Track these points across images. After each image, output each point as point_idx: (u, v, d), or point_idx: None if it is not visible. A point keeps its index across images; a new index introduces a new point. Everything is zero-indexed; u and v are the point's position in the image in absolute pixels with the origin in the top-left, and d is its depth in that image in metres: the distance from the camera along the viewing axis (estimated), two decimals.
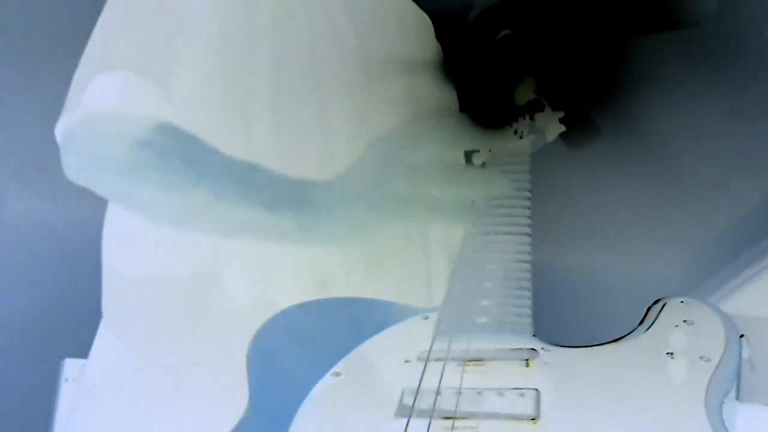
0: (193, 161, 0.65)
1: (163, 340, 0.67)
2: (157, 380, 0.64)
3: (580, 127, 0.84)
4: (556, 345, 0.50)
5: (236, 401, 0.47)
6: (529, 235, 0.66)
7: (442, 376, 0.47)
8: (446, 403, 0.45)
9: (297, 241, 0.66)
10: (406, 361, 0.50)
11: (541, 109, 0.84)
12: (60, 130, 0.69)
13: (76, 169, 0.69)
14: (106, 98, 0.67)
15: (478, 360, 0.48)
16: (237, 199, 0.65)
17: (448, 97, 0.87)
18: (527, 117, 0.84)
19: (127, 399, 0.64)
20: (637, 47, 1.09)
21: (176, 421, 0.60)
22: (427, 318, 0.56)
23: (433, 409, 0.44)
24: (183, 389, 0.62)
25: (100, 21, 0.72)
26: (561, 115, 0.83)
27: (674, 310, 0.52)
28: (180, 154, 0.65)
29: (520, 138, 0.81)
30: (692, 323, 0.50)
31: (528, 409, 0.44)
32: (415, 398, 0.45)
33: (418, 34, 0.85)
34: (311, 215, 0.65)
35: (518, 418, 0.43)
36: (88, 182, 0.69)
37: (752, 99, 1.16)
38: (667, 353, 0.47)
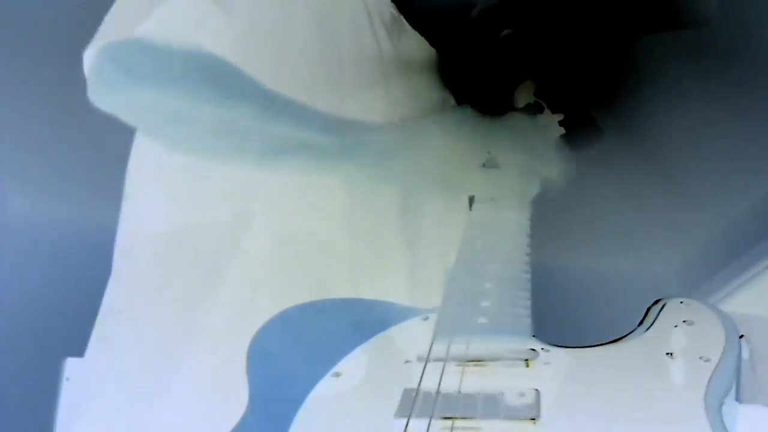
0: (246, 82, 0.66)
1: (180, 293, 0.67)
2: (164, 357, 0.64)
3: (582, 127, 0.85)
4: (556, 345, 0.50)
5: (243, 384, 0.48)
6: (529, 235, 0.67)
7: (442, 376, 0.47)
8: (446, 404, 0.45)
9: (334, 165, 0.69)
10: (406, 362, 0.51)
11: (541, 112, 0.84)
12: (93, 50, 0.68)
13: (108, 89, 0.68)
14: (154, 20, 0.67)
15: (478, 360, 0.48)
16: (286, 118, 0.67)
17: (441, 97, 0.87)
18: None
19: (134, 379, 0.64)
20: (639, 48, 1.09)
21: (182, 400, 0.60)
22: (427, 319, 0.56)
23: (433, 409, 0.44)
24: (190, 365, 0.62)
25: None
26: (560, 117, 0.83)
27: (674, 310, 0.52)
28: (232, 74, 0.66)
29: None
30: (692, 323, 0.50)
31: (528, 409, 0.43)
32: (415, 398, 0.45)
33: (406, 36, 0.86)
34: (355, 139, 0.69)
35: (518, 418, 0.43)
36: (121, 103, 0.69)
37: (753, 99, 1.16)
38: (667, 353, 0.47)
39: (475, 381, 0.47)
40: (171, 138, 0.70)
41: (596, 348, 0.50)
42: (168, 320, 0.66)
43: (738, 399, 0.46)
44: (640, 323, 0.52)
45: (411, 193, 0.76)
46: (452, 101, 0.89)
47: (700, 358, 0.46)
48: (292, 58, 0.72)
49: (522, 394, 0.45)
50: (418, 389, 0.46)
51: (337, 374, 0.51)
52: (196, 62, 0.66)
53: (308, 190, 0.71)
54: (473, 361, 0.48)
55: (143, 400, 0.62)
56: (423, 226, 0.77)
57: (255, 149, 0.68)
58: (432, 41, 0.88)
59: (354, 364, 0.52)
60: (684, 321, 0.50)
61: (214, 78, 0.66)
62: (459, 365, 0.48)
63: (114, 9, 0.72)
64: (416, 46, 0.86)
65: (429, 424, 0.43)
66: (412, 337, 0.54)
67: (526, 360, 0.48)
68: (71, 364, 1.15)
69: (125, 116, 0.69)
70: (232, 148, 0.68)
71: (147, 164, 0.77)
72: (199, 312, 0.65)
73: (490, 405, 0.44)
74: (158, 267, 0.70)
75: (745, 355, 0.48)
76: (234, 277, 0.67)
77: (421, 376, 0.47)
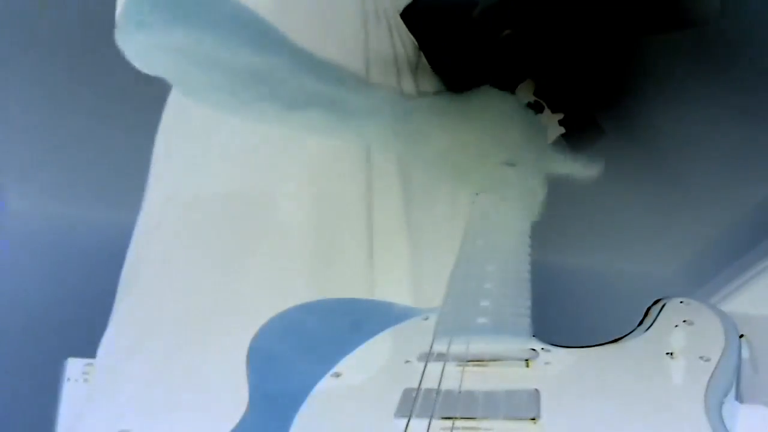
0: (281, 37, 0.68)
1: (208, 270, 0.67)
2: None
3: (583, 127, 0.85)
4: (556, 345, 0.50)
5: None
6: (530, 235, 0.67)
7: (442, 376, 0.47)
8: (446, 404, 0.45)
9: (355, 125, 0.70)
10: (406, 362, 0.51)
11: (540, 111, 0.84)
12: None
13: (140, 27, 0.68)
14: None
15: (478, 360, 0.48)
16: (317, 72, 0.69)
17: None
18: None
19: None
20: (640, 47, 1.09)
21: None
22: (427, 319, 0.56)
23: (434, 409, 0.44)
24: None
25: None
26: (560, 117, 0.83)
27: (674, 310, 0.52)
28: (269, 28, 0.68)
29: None
30: (692, 323, 0.50)
31: (528, 409, 0.43)
32: (415, 398, 0.45)
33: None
34: (380, 101, 0.71)
35: (518, 418, 0.43)
36: (151, 43, 0.69)
37: (755, 100, 1.16)
38: (667, 353, 0.47)
39: (475, 381, 0.47)
40: (197, 83, 0.70)
41: (596, 348, 0.50)
42: (198, 293, 0.66)
43: (738, 399, 0.46)
44: (640, 323, 0.52)
45: (419, 182, 0.77)
46: None
47: (700, 357, 0.46)
48: (323, 33, 0.74)
49: (522, 394, 0.45)
50: (418, 389, 0.46)
51: (337, 374, 0.51)
52: (236, 10, 0.67)
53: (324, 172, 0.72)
54: (473, 361, 0.48)
55: (172, 375, 0.62)
56: (429, 222, 0.77)
57: (282, 100, 0.69)
58: (432, 41, 0.88)
59: (354, 364, 0.52)
60: (684, 321, 0.50)
61: (253, 27, 0.68)
62: (459, 365, 0.48)
63: None
64: (430, 76, 0.87)
65: (429, 424, 0.43)
66: (412, 337, 0.54)
67: (527, 360, 0.48)
68: (72, 365, 1.15)
69: (151, 58, 0.69)
70: (260, 97, 0.69)
71: (172, 141, 0.79)
72: (230, 285, 0.65)
73: (491, 405, 0.44)
74: (185, 240, 0.70)
75: (745, 354, 0.48)
76: (263, 253, 0.68)
77: (422, 376, 0.47)
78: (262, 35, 0.68)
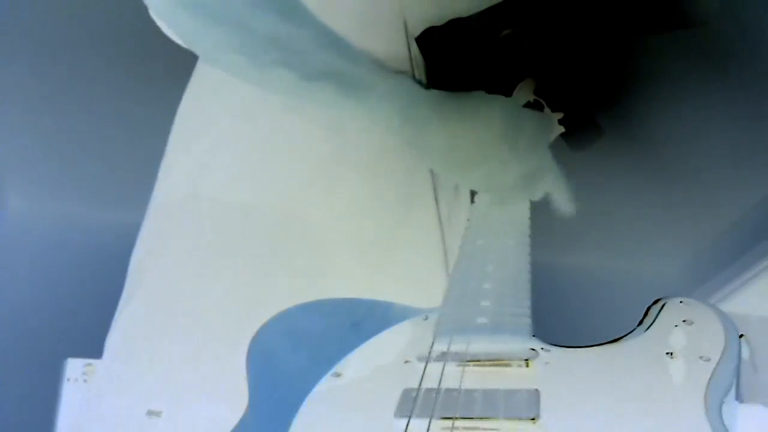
0: (307, 13, 0.70)
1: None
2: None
3: (582, 127, 0.85)
4: (556, 345, 0.50)
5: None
6: (530, 235, 0.67)
7: (441, 376, 0.47)
8: (446, 404, 0.45)
9: (367, 105, 0.70)
10: (406, 362, 0.51)
11: (541, 111, 0.84)
12: None
13: None
14: None
15: (478, 360, 0.48)
16: (336, 48, 0.70)
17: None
18: None
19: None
20: (639, 47, 1.09)
21: None
22: (427, 318, 0.56)
23: (433, 409, 0.44)
24: None
25: None
26: (560, 116, 0.83)
27: (673, 310, 0.52)
28: (294, 3, 0.70)
29: None
30: (692, 323, 0.50)
31: (528, 409, 0.43)
32: (415, 398, 0.45)
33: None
34: (392, 84, 0.71)
35: (518, 418, 0.43)
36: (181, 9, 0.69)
37: (755, 99, 1.16)
38: (667, 353, 0.47)
39: (475, 381, 0.47)
40: (216, 43, 0.70)
41: (596, 348, 0.50)
42: (228, 290, 0.67)
43: (738, 398, 0.46)
44: (640, 323, 0.52)
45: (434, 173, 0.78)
46: None
47: (700, 357, 0.46)
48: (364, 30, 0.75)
49: (522, 394, 0.45)
50: (418, 389, 0.46)
51: (337, 374, 0.51)
52: None
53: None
54: (473, 360, 0.48)
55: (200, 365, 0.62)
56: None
57: (299, 70, 0.69)
58: (431, 42, 0.88)
59: (354, 364, 0.52)
60: (684, 321, 0.50)
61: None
62: (459, 365, 0.48)
63: None
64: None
65: (429, 424, 0.43)
66: (412, 336, 0.54)
67: (526, 360, 0.48)
68: (72, 365, 1.15)
69: (174, 13, 0.69)
70: (278, 63, 0.69)
71: (188, 134, 0.79)
72: (263, 285, 0.66)
73: (490, 405, 0.44)
74: (207, 234, 0.71)
75: (745, 354, 0.48)
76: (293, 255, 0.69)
77: (422, 376, 0.47)
78: (291, 7, 0.69)
